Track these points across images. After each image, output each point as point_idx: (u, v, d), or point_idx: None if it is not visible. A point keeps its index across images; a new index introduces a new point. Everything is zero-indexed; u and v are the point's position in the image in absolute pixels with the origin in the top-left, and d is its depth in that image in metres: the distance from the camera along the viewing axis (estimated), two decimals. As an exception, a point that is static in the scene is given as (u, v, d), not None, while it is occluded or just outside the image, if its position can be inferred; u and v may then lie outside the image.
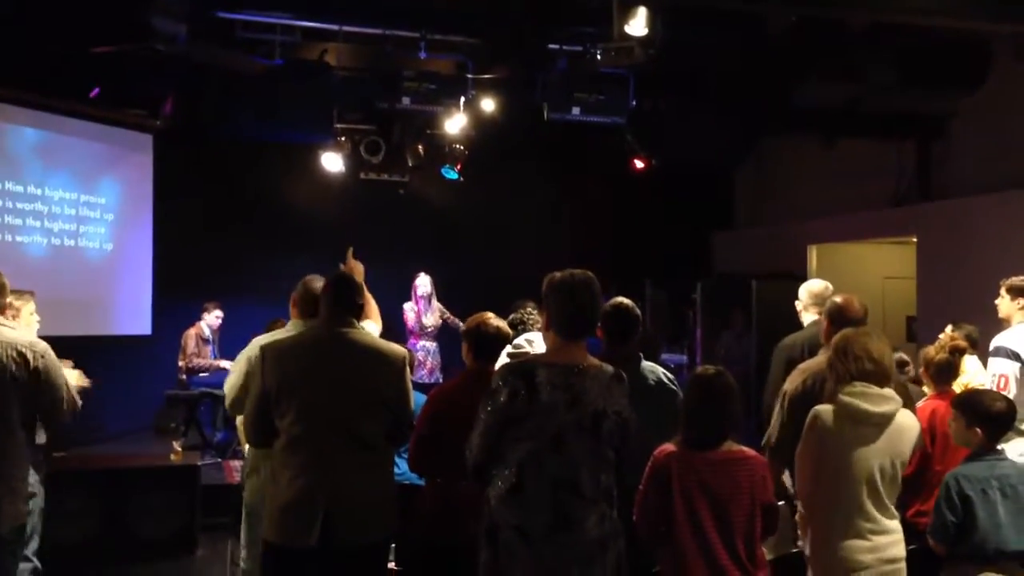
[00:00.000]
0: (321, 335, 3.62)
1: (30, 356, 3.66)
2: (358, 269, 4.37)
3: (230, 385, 4.18)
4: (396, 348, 3.70)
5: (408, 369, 3.68)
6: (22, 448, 3.74)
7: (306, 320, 4.17)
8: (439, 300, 9.30)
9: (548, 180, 11.27)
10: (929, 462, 3.98)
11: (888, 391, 3.36)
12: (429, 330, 9.08)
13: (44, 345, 3.80)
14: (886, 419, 3.33)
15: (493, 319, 4.03)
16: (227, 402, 4.30)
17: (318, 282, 4.16)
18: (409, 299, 9.16)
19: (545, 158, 10.80)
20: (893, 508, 3.38)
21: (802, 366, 4.17)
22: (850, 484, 3.31)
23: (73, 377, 4.61)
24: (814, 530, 3.40)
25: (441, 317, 9.14)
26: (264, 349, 3.59)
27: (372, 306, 4.30)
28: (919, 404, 4.25)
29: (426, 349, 9.02)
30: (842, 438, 3.33)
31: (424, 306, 9.09)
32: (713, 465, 3.16)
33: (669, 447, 3.22)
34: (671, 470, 3.16)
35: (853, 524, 3.30)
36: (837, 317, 4.19)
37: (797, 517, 3.50)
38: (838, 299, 4.35)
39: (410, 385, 3.69)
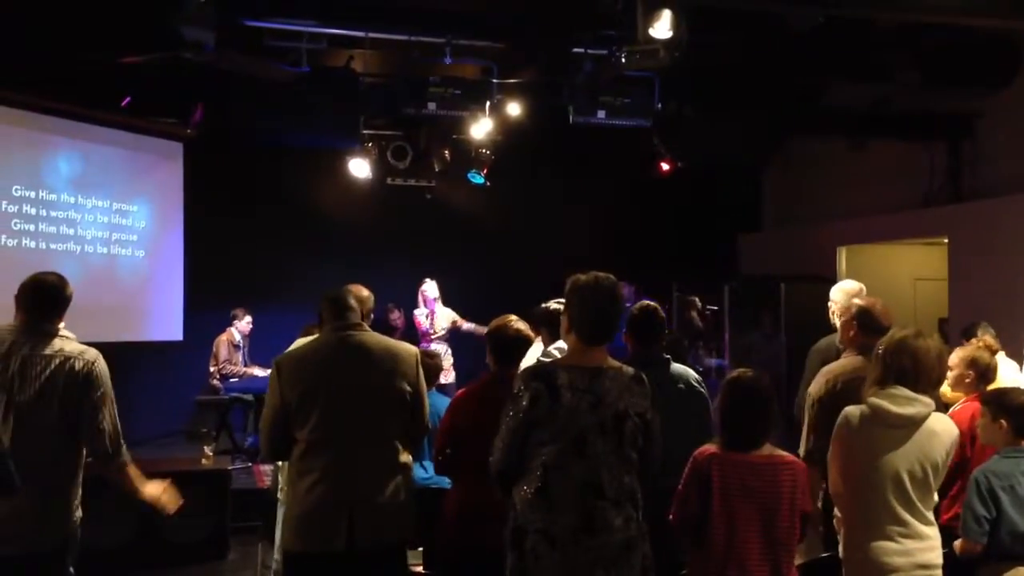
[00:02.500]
0: (331, 341, 3.64)
1: (79, 366, 3.59)
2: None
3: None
4: (407, 346, 3.74)
5: (420, 367, 3.71)
6: (75, 460, 3.67)
7: None
8: (467, 304, 9.38)
9: (574, 183, 11.27)
10: (968, 466, 3.90)
11: (920, 395, 3.32)
12: (441, 334, 9.21)
13: (92, 354, 3.69)
14: (913, 422, 3.28)
15: (515, 322, 4.05)
16: None
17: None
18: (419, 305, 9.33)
19: (570, 162, 10.80)
20: (929, 514, 3.33)
21: (825, 369, 4.15)
22: (877, 486, 3.28)
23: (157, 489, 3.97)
24: (845, 532, 3.37)
25: (453, 322, 9.25)
26: (278, 362, 3.62)
27: None
28: (957, 407, 4.18)
29: (437, 352, 9.11)
30: (868, 439, 3.30)
31: (437, 309, 9.24)
32: (755, 468, 3.15)
33: (710, 448, 3.22)
34: (712, 470, 3.15)
35: (882, 527, 3.26)
36: (865, 321, 4.16)
37: (834, 520, 3.47)
38: (862, 302, 4.29)
39: (424, 383, 3.71)
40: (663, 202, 11.50)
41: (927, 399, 3.32)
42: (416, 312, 9.36)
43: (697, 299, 10.75)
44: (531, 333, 4.16)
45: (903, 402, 3.28)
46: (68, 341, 3.68)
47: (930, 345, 3.36)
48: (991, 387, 4.36)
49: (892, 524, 3.26)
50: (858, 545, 3.31)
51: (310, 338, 4.17)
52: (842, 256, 10.42)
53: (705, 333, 10.84)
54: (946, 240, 9.00)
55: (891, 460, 3.27)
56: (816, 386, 4.06)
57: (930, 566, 3.29)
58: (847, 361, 4.12)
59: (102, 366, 3.67)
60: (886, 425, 3.28)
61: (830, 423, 3.50)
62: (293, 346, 4.15)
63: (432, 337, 9.22)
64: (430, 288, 9.35)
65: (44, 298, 3.70)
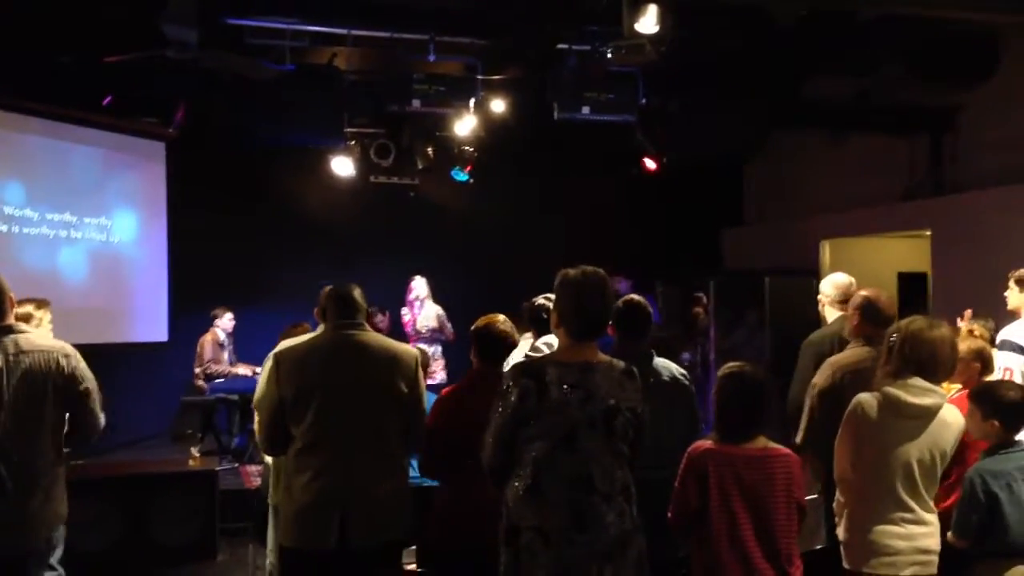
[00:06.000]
0: (332, 339, 3.64)
1: (63, 361, 3.66)
2: None
3: (257, 388, 4.46)
4: (408, 348, 3.75)
5: (421, 369, 3.70)
6: (56, 454, 3.72)
7: None
8: (451, 302, 9.31)
9: (557, 180, 11.26)
10: (966, 453, 3.80)
11: (935, 386, 3.35)
12: (424, 333, 9.04)
13: (70, 348, 3.78)
14: (929, 413, 3.32)
15: (502, 322, 4.06)
16: (253, 401, 4.52)
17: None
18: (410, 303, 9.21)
19: (554, 158, 10.80)
20: (931, 501, 3.38)
21: (831, 360, 4.18)
22: (887, 474, 3.31)
23: None
24: (849, 515, 3.41)
25: (439, 321, 9.11)
26: (278, 357, 3.62)
27: None
28: (954, 395, 4.20)
29: (424, 352, 8.99)
30: (883, 428, 3.33)
31: (418, 309, 9.08)
32: (748, 460, 3.16)
33: (705, 443, 3.23)
34: (707, 465, 3.16)
35: (888, 512, 3.31)
36: (868, 311, 4.18)
37: (835, 504, 3.49)
38: (866, 292, 4.32)
39: (423, 385, 3.71)
40: (646, 197, 11.52)
41: (941, 390, 3.38)
42: (403, 310, 9.25)
43: (704, 295, 10.70)
44: (517, 336, 4.17)
45: (920, 393, 3.31)
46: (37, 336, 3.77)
47: (945, 336, 3.39)
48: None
49: (897, 510, 3.31)
50: (861, 528, 3.35)
51: (303, 337, 4.17)
52: (825, 249, 10.49)
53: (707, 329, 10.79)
54: (929, 233, 9.06)
55: (905, 450, 3.31)
56: (821, 377, 4.09)
57: (929, 551, 3.33)
58: (852, 352, 4.15)
59: (78, 358, 3.77)
60: (902, 415, 3.31)
61: (833, 415, 3.51)
62: (284, 344, 4.16)
63: (416, 337, 9.04)
64: (417, 286, 9.12)
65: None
